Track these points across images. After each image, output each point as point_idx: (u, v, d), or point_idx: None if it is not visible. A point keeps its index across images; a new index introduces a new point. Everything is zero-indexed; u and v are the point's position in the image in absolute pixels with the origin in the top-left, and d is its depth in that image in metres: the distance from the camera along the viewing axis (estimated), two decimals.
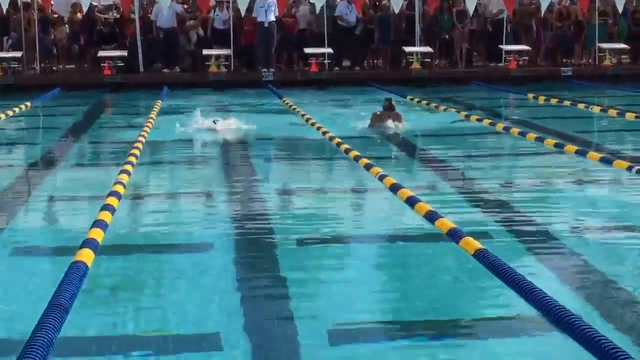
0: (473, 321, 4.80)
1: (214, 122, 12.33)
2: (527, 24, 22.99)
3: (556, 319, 4.40)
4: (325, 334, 4.47)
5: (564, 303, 4.55)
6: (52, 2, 22.75)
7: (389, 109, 12.18)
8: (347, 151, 10.56)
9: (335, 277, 5.79)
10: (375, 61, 23.27)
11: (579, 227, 6.97)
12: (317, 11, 21.89)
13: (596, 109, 15.43)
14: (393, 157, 10.96)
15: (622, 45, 22.68)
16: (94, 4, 22.62)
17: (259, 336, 4.51)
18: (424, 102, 16.88)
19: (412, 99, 17.38)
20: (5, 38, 22.26)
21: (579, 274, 5.67)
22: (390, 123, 11.65)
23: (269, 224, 7.25)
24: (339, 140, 11.28)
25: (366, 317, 4.84)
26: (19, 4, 21.76)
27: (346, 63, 22.95)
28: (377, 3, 22.63)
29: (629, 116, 14.16)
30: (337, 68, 22.38)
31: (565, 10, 23.08)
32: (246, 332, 4.54)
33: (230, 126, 12.93)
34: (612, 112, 14.86)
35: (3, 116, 15.10)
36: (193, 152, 11.82)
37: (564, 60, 23.08)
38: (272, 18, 21.21)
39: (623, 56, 23.08)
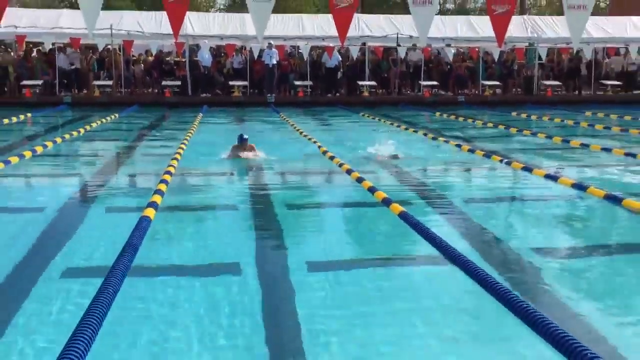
0: (398, 257, 4.90)
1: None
2: (436, 67, 23.63)
3: (451, 257, 4.44)
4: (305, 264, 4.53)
5: (456, 245, 4.66)
6: (132, 48, 23.11)
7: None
8: (315, 143, 10.59)
9: (312, 230, 5.84)
10: (340, 90, 23.47)
11: (467, 198, 7.00)
12: (305, 57, 22.45)
13: (479, 123, 16.06)
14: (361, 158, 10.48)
15: (497, 82, 23.49)
16: (160, 49, 23.05)
17: (263, 264, 4.55)
18: (370, 117, 17.21)
19: (363, 115, 17.80)
20: (101, 72, 23.01)
21: (466, 227, 5.70)
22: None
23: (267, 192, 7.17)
24: (315, 139, 11.57)
25: (332, 255, 4.90)
26: (111, 49, 22.20)
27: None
28: (344, 53, 23.18)
29: (500, 127, 14.82)
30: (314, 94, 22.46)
31: (462, 58, 23.77)
32: (257, 262, 4.59)
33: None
34: (490, 125, 15.48)
35: (100, 122, 15.52)
36: (219, 138, 10.77)
37: (460, 91, 23.44)
38: (274, 61, 21.88)
39: (497, 89, 23.64)
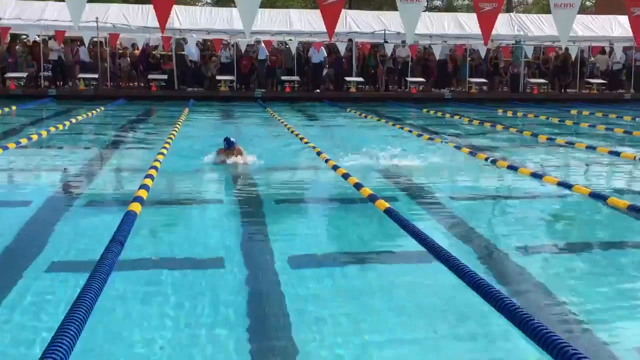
0: (382, 253, 4.89)
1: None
2: (423, 64, 23.68)
3: (434, 252, 4.44)
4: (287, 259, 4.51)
5: (441, 242, 4.65)
6: (119, 41, 23.10)
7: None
8: (298, 136, 10.62)
9: (296, 224, 5.79)
10: (327, 86, 23.48)
11: (452, 195, 6.93)
12: (293, 52, 22.32)
13: (465, 120, 16.11)
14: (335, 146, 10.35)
15: (483, 80, 23.60)
16: (147, 43, 22.81)
17: (247, 259, 4.53)
18: (357, 113, 17.21)
19: (349, 111, 17.88)
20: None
21: (450, 224, 5.70)
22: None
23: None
24: (297, 132, 11.52)
25: (315, 249, 4.88)
26: (97, 42, 22.09)
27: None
28: (331, 49, 23.05)
29: (486, 125, 14.85)
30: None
31: (451, 56, 23.81)
32: (242, 256, 4.57)
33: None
34: (476, 122, 15.49)
35: (86, 115, 15.40)
36: (206, 133, 10.80)
37: (447, 88, 23.63)
38: (263, 56, 22.32)
39: (484, 87, 23.81)
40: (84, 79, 21.71)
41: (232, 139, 8.64)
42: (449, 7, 48.26)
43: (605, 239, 5.61)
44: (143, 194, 6.19)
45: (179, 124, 13.57)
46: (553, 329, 3.11)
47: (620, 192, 7.19)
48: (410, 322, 3.61)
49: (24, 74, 21.73)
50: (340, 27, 22.23)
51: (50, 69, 21.99)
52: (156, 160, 8.41)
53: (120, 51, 23.29)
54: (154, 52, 23.08)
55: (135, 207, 5.57)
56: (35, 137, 11.30)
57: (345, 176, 7.45)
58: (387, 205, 5.81)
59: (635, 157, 9.78)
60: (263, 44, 22.23)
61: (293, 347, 3.21)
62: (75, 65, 22.34)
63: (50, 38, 22.13)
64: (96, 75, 21.75)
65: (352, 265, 4.56)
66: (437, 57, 23.24)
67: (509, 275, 4.42)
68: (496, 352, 3.28)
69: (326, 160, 8.71)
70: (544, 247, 5.16)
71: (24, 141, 10.61)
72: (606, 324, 3.63)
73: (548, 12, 23.29)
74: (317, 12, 21.36)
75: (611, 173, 9.15)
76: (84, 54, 22.39)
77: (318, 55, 22.45)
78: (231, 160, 8.49)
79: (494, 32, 21.58)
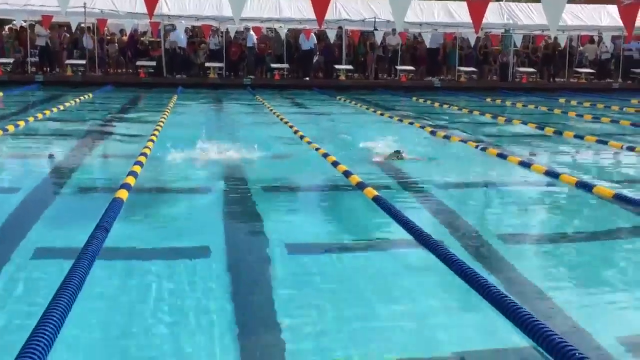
0: (370, 241, 4.92)
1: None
2: (413, 52, 23.78)
3: (420, 239, 4.44)
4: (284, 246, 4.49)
5: (424, 226, 4.66)
6: (107, 27, 22.92)
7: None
8: (282, 120, 10.62)
9: (284, 212, 5.77)
10: (315, 73, 23.42)
11: (441, 183, 6.96)
12: (282, 39, 22.30)
13: (455, 108, 16.09)
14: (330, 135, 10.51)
15: (472, 68, 23.70)
16: (135, 29, 22.84)
17: (239, 247, 4.53)
18: (347, 101, 17.17)
19: (339, 99, 17.84)
20: (75, 51, 22.63)
21: (439, 212, 5.71)
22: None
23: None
24: (282, 115, 11.48)
25: (308, 237, 4.91)
26: (85, 28, 22.02)
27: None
28: (321, 36, 23.07)
29: (475, 113, 14.88)
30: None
31: (442, 45, 23.74)
32: (227, 244, 4.55)
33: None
34: (465, 111, 15.50)
35: (74, 102, 15.33)
36: (195, 120, 10.74)
37: (436, 77, 23.66)
38: (251, 44, 22.25)
39: (473, 75, 23.93)
40: (71, 65, 21.56)
41: None
42: None
43: (591, 228, 5.64)
44: (131, 181, 6.14)
45: (167, 111, 13.51)
46: (540, 318, 3.13)
47: (607, 180, 7.22)
48: (398, 309, 3.61)
49: (10, 60, 21.54)
50: (330, 15, 22.04)
51: (37, 55, 21.76)
52: (145, 147, 8.36)
53: (108, 37, 23.17)
54: (142, 39, 22.96)
55: (122, 194, 5.54)
56: (22, 123, 11.22)
57: (335, 164, 7.45)
58: (376, 193, 5.81)
59: (622, 146, 9.79)
60: (252, 31, 22.09)
61: (281, 336, 3.21)
62: (63, 51, 22.22)
63: (37, 23, 21.91)
64: (84, 62, 21.64)
65: (340, 253, 4.55)
66: (428, 45, 23.19)
67: (495, 263, 4.42)
68: (483, 341, 3.29)
69: (316, 149, 8.69)
70: (530, 236, 5.19)
71: (10, 128, 10.51)
72: (591, 312, 3.66)
73: (538, 0, 23.21)
74: None
75: (598, 162, 9.20)
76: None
77: (307, 43, 22.42)
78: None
79: (484, 20, 21.43)
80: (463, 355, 3.10)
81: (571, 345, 2.80)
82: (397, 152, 8.29)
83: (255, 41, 22.29)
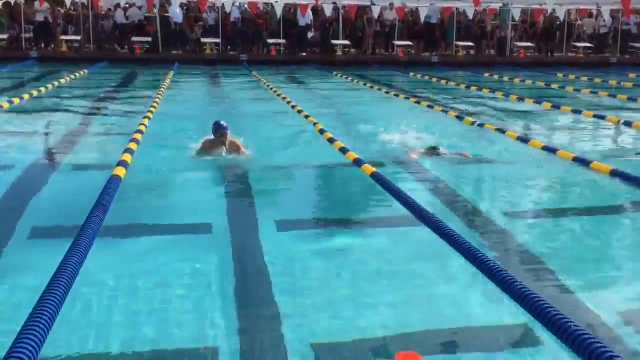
0: (368, 217, 4.92)
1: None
2: (410, 27, 23.51)
3: (418, 214, 4.45)
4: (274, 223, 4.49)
5: (422, 201, 4.69)
6: (101, 3, 22.76)
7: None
8: (279, 95, 10.59)
9: (282, 188, 5.80)
10: (314, 49, 23.27)
11: (439, 159, 6.87)
12: (278, 14, 22.04)
13: (452, 84, 16.03)
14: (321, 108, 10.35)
15: (470, 43, 23.42)
16: (128, 3, 22.47)
17: (234, 223, 4.53)
18: (344, 77, 17.07)
19: (336, 74, 17.72)
20: (69, 26, 22.36)
21: (436, 188, 5.75)
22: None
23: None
24: (279, 91, 11.44)
25: (302, 214, 4.91)
26: (79, 3, 21.86)
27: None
28: (317, 11, 22.87)
29: (473, 88, 14.83)
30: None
31: (439, 19, 23.35)
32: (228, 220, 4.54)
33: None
34: (462, 86, 15.47)
35: (69, 78, 15.26)
36: (191, 97, 11.26)
37: (433, 52, 23.43)
38: (233, 19, 22.01)
39: (471, 50, 23.71)
40: (66, 40, 21.33)
41: (222, 123, 6.66)
42: None
43: (587, 203, 5.67)
44: (127, 158, 6.10)
45: (163, 87, 13.43)
46: (538, 292, 3.13)
47: (604, 155, 7.21)
48: (395, 284, 3.62)
49: (5, 36, 21.26)
50: None
51: (33, 30, 21.52)
52: (141, 124, 8.29)
53: (103, 12, 22.85)
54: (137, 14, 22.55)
55: (119, 171, 5.49)
56: (17, 100, 11.12)
57: (331, 140, 7.42)
58: (373, 169, 5.79)
59: (619, 120, 9.77)
60: (238, 3, 21.80)
61: (278, 311, 3.21)
62: (57, 26, 21.90)
63: None
64: (79, 37, 21.40)
65: (338, 229, 4.56)
66: (422, 20, 22.91)
67: (493, 238, 4.43)
68: (480, 314, 3.30)
69: (313, 124, 8.64)
70: (528, 211, 5.19)
71: (5, 104, 10.43)
72: (589, 286, 3.66)
73: None
74: None
75: (596, 137, 9.17)
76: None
77: (304, 19, 22.19)
78: (220, 150, 6.58)
79: None
80: (464, 331, 3.11)
81: (568, 318, 2.83)
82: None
83: (238, 15, 22.07)
